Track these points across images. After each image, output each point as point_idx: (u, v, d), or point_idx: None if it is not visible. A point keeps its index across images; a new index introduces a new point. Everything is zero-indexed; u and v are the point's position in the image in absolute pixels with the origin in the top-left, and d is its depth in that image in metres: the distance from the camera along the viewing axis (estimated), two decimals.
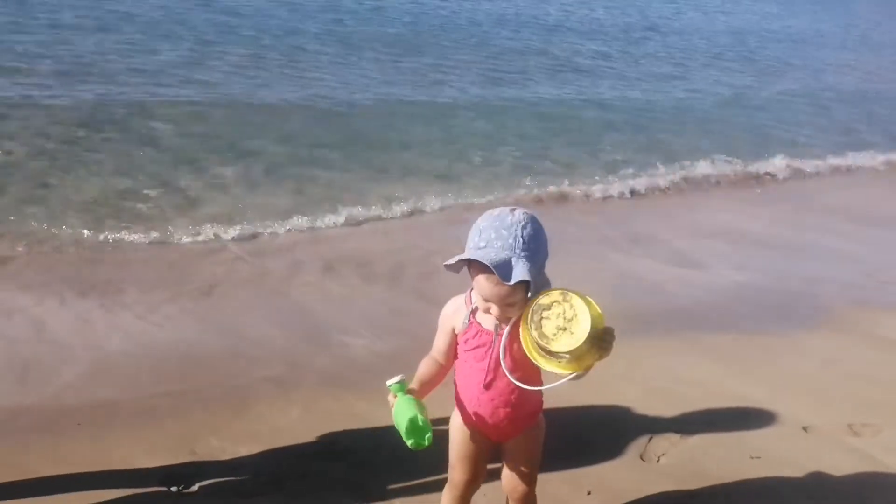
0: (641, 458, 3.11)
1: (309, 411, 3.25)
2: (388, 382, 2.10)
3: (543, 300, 1.87)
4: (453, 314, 2.22)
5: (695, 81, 12.56)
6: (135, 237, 5.05)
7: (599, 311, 1.93)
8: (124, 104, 7.71)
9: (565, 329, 1.87)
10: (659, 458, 3.12)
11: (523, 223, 1.98)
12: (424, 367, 2.25)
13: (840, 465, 3.14)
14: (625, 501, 2.85)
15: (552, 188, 6.81)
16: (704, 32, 17.78)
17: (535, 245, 1.97)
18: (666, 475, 3.02)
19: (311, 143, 7.30)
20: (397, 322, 4.14)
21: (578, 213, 6.43)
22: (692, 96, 11.47)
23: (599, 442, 3.18)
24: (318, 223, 5.58)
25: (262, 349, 3.80)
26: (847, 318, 4.63)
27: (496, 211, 2.02)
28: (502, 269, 1.94)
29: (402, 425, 2.01)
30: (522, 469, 2.36)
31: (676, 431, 3.28)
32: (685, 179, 7.59)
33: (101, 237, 5.01)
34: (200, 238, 5.15)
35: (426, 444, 2.00)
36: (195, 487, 2.79)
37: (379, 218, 5.84)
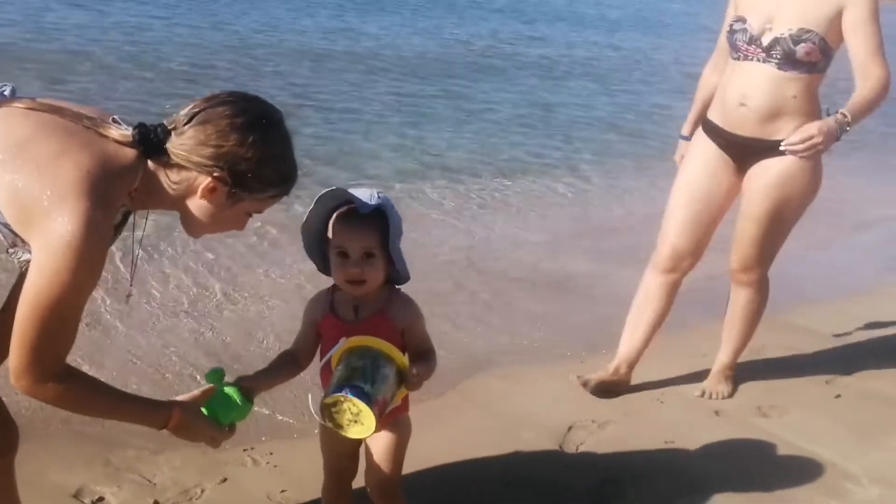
0: (561, 448, 3.18)
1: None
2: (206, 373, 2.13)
3: (328, 400, 1.97)
4: (315, 304, 2.24)
5: None
6: None
7: (401, 355, 2.05)
8: None
9: (356, 421, 1.97)
10: (578, 447, 3.20)
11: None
12: (277, 359, 2.27)
13: (749, 445, 3.29)
14: (544, 491, 2.91)
15: None
16: None
17: (390, 207, 2.05)
18: (585, 463, 3.10)
19: None
20: None
21: None
22: None
23: (519, 434, 3.24)
24: None
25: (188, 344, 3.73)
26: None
27: None
28: (358, 199, 2.04)
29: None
30: (380, 467, 2.31)
31: (594, 420, 3.37)
32: None
33: None
34: None
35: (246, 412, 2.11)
36: (110, 499, 2.72)
37: None
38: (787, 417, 3.53)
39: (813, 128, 3.05)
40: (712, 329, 3.85)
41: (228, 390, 2.08)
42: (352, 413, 1.96)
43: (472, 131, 8.68)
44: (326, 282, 2.26)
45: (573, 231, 6.15)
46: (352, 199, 2.07)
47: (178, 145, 1.78)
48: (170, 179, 1.82)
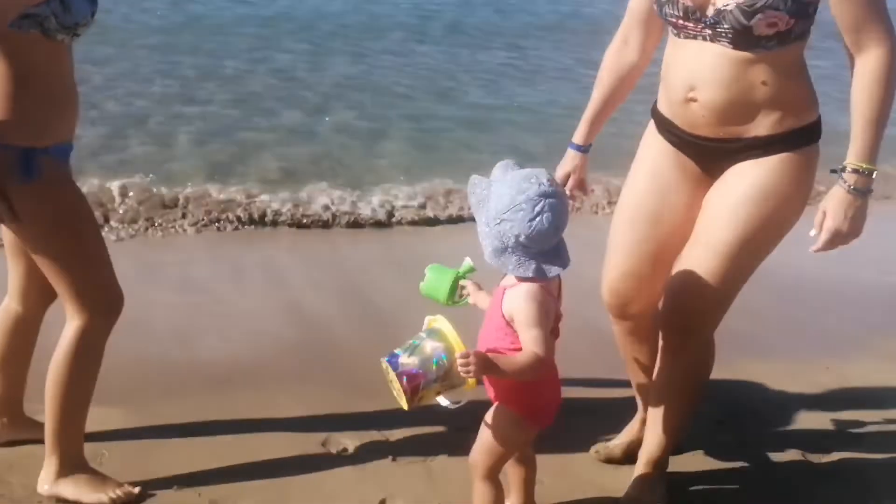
0: None
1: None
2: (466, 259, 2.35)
3: (384, 365, 2.08)
4: None
5: None
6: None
7: (454, 340, 2.03)
8: None
9: (396, 390, 2.08)
10: None
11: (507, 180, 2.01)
12: None
13: None
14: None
15: None
16: None
17: (499, 204, 1.97)
18: None
19: None
20: None
21: None
22: None
23: None
24: None
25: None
26: None
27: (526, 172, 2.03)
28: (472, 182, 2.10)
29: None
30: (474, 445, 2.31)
31: None
32: None
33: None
34: None
35: (442, 300, 2.36)
36: (351, 450, 2.89)
37: None
38: None
39: (830, 223, 2.18)
40: None
41: (452, 278, 2.32)
42: (391, 380, 2.06)
43: None
44: None
45: None
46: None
47: None
48: None
